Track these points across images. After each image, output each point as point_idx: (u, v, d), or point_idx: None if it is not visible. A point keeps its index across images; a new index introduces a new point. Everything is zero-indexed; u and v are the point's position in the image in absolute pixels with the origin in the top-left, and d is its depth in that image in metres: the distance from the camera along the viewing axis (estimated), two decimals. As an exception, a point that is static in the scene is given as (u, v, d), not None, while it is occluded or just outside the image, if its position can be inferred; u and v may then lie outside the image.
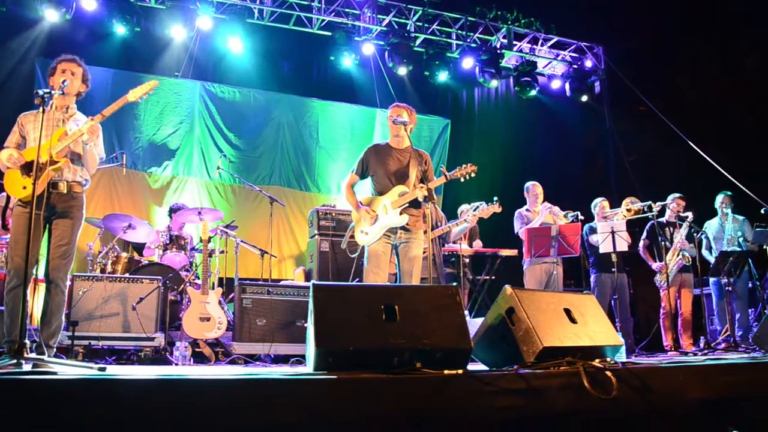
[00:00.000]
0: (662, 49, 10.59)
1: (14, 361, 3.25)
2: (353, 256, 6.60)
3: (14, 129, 4.37)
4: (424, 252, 5.39)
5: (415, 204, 5.12)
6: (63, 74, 4.31)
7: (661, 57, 10.69)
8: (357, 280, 6.37)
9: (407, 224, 5.05)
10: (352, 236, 5.33)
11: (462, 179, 5.26)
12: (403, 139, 5.29)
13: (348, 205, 5.48)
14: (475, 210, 6.82)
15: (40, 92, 3.77)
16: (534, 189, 7.53)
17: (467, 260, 7.44)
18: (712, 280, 7.69)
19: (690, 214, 7.49)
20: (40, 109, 3.75)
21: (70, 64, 4.37)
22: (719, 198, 7.90)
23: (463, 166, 5.26)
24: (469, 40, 10.77)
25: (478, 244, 7.58)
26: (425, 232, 5.13)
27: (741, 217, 7.78)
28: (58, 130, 4.20)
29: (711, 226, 7.94)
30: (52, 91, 4.00)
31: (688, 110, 9.83)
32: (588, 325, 3.70)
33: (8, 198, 4.50)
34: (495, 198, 6.68)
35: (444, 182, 5.21)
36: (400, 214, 5.05)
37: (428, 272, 4.95)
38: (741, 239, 7.61)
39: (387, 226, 5.05)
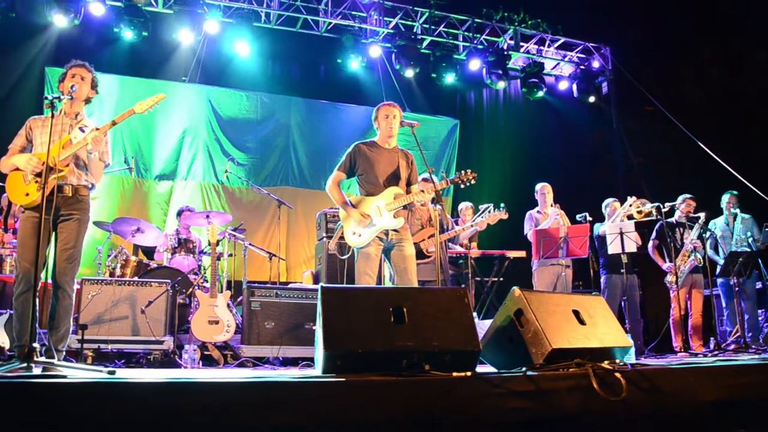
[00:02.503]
0: (669, 49, 10.55)
1: (24, 364, 3.26)
2: (343, 258, 6.55)
3: (21, 132, 4.36)
4: (431, 254, 5.36)
5: (404, 206, 5.03)
6: (72, 79, 4.32)
7: (669, 57, 10.65)
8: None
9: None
10: (341, 237, 5.22)
11: (462, 185, 5.13)
12: (394, 139, 5.19)
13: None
14: (482, 214, 6.81)
15: (50, 97, 3.79)
16: (543, 190, 7.54)
17: (474, 262, 7.43)
18: (720, 280, 7.64)
19: (702, 215, 7.45)
20: (50, 113, 3.76)
21: (80, 69, 4.38)
22: (725, 198, 7.86)
23: (463, 172, 5.09)
24: (475, 42, 10.77)
25: (474, 247, 7.58)
26: (432, 236, 5.09)
27: (748, 216, 7.74)
28: (64, 137, 4.21)
29: (717, 226, 7.89)
30: (62, 97, 4.02)
31: (695, 110, 9.79)
32: (597, 326, 3.69)
33: (10, 202, 4.52)
34: (502, 204, 6.66)
35: (444, 187, 5.08)
36: (394, 216, 4.95)
37: (436, 275, 4.90)
38: (750, 239, 7.56)
39: (381, 228, 4.91)
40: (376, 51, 10.20)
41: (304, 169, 10.16)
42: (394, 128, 5.12)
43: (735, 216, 7.73)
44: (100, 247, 7.17)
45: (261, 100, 10.03)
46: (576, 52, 11.53)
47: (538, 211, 7.52)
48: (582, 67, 11.53)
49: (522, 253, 7.63)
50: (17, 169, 4.21)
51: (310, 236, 9.74)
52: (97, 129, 4.24)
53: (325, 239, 7.34)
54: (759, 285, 7.77)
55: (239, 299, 6.71)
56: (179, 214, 7.88)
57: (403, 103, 10.03)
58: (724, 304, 7.78)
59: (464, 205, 7.98)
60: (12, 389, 2.39)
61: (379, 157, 5.10)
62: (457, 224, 7.35)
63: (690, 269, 7.45)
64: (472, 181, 5.11)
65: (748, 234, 7.61)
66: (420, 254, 6.34)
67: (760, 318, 7.74)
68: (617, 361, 3.57)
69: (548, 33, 11.18)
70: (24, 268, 4.01)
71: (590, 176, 11.22)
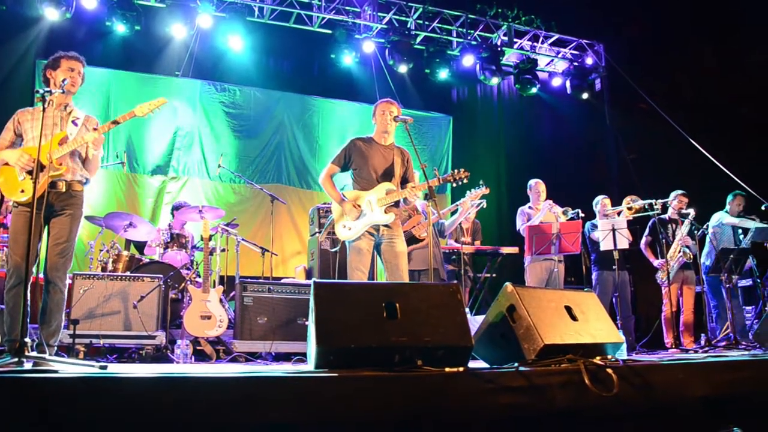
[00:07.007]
0: (663, 46, 10.57)
1: (15, 359, 3.24)
2: (333, 251, 6.57)
3: (8, 126, 4.30)
4: (425, 246, 5.36)
5: (395, 202, 5.08)
6: (71, 72, 4.28)
7: (662, 54, 10.67)
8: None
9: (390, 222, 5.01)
10: (331, 231, 5.26)
11: (454, 184, 5.17)
12: (390, 136, 5.25)
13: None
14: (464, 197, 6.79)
15: (41, 91, 3.75)
16: (537, 187, 7.54)
17: (468, 258, 7.44)
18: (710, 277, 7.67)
19: (692, 211, 7.48)
20: (40, 107, 3.73)
21: (77, 63, 4.33)
22: (730, 198, 7.83)
23: (455, 171, 5.14)
24: (469, 38, 10.76)
25: (477, 243, 7.60)
26: (420, 222, 5.10)
27: (753, 218, 7.72)
28: (58, 133, 4.17)
29: (716, 221, 7.89)
30: (53, 91, 3.99)
31: (688, 107, 9.82)
32: (589, 322, 3.70)
33: (3, 196, 4.48)
34: (481, 182, 6.63)
35: (436, 185, 5.07)
36: (385, 212, 4.99)
37: (429, 267, 4.92)
38: (741, 236, 7.59)
39: (371, 223, 4.97)
40: (369, 46, 10.18)
41: (297, 164, 10.13)
42: (390, 125, 5.17)
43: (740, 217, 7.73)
44: (92, 242, 7.15)
45: (254, 95, 9.99)
46: (569, 49, 11.54)
47: (530, 207, 7.53)
48: (575, 63, 11.54)
49: (515, 249, 7.67)
50: (7, 164, 4.18)
51: (303, 232, 9.73)
52: (95, 129, 4.23)
53: (318, 234, 7.34)
54: (749, 282, 7.80)
55: (232, 294, 6.70)
56: (175, 209, 7.84)
57: (397, 99, 9.99)
58: (715, 301, 7.80)
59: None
60: (3, 384, 2.38)
61: (374, 153, 5.16)
62: None
63: (680, 265, 7.48)
64: (465, 180, 5.14)
65: (739, 231, 7.64)
66: (413, 240, 6.39)
67: (750, 315, 7.78)
68: (609, 356, 3.59)
69: (542, 29, 11.18)
70: (15, 262, 3.99)
71: (583, 173, 11.25)
